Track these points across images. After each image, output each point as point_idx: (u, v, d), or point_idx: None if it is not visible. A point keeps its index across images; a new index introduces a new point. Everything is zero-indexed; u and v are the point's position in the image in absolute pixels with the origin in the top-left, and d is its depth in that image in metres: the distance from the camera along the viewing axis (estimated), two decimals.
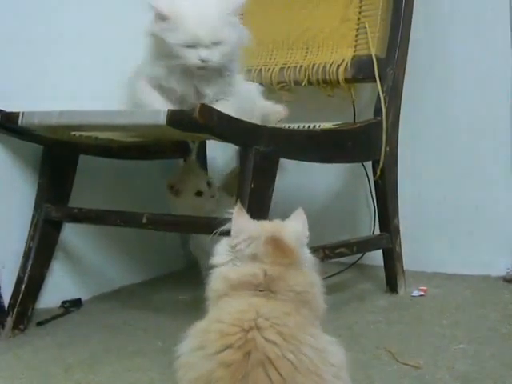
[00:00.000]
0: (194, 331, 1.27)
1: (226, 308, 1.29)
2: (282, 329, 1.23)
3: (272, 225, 1.42)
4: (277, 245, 1.35)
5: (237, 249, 1.36)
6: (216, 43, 1.86)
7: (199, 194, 2.30)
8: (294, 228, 1.42)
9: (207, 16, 1.86)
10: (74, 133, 2.09)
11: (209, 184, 2.31)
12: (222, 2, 1.90)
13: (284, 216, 1.45)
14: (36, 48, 2.23)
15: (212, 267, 1.38)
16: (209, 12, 1.87)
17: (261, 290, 1.31)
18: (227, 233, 1.39)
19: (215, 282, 1.36)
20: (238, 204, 1.41)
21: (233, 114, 1.77)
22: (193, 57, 1.86)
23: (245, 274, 1.33)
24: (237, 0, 1.91)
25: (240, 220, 1.38)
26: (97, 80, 2.36)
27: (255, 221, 1.43)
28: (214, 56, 1.86)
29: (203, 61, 1.86)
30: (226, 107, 1.81)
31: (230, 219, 1.39)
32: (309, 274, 1.38)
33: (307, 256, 1.42)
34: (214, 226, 1.43)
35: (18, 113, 2.01)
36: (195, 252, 2.48)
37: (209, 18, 1.86)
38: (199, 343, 1.24)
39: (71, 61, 2.32)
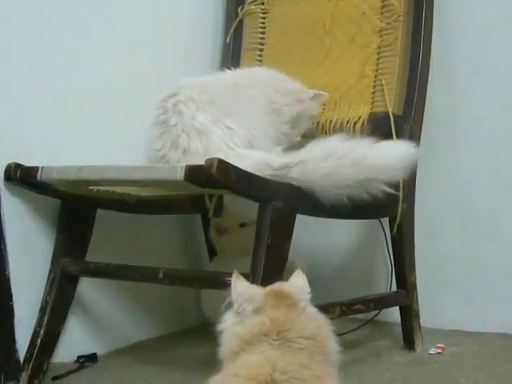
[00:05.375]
0: None
1: (243, 362, 1.29)
2: (299, 383, 1.22)
3: (272, 285, 1.47)
4: (277, 294, 1.40)
5: (240, 310, 1.38)
6: None
7: (243, 225, 2.34)
8: (295, 283, 1.46)
9: None
10: (92, 187, 2.10)
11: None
12: None
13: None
14: (55, 103, 2.26)
15: (220, 332, 1.41)
16: None
17: (274, 340, 1.31)
18: None
19: (227, 340, 1.37)
20: (235, 272, 1.45)
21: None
22: None
23: (252, 325, 1.34)
24: None
25: (238, 285, 1.42)
26: (116, 135, 2.39)
27: (254, 285, 1.49)
28: None
29: None
30: None
31: None
32: (315, 317, 1.41)
33: (312, 310, 1.43)
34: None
35: (38, 167, 2.04)
36: (206, 309, 2.50)
37: None
38: None
39: (91, 114, 2.35)
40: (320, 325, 1.39)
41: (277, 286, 1.45)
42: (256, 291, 1.42)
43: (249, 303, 1.38)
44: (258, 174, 1.86)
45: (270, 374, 1.24)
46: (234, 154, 1.99)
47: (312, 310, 1.42)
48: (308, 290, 1.45)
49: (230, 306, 1.42)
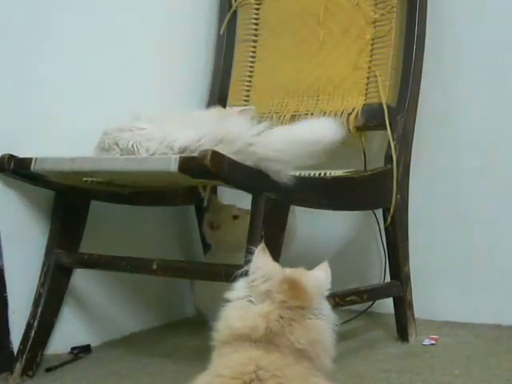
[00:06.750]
0: None
1: (226, 362, 1.28)
2: (282, 380, 1.22)
3: (293, 270, 1.42)
4: (293, 285, 1.35)
5: (254, 284, 1.36)
6: None
7: (236, 217, 2.35)
8: (316, 277, 1.42)
9: None
10: (85, 179, 2.10)
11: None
12: None
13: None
14: (49, 94, 2.25)
15: (226, 302, 1.38)
16: None
17: (261, 343, 1.30)
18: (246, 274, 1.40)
19: (221, 325, 1.36)
20: (262, 244, 1.42)
21: None
22: None
23: (247, 324, 1.32)
24: None
25: (261, 258, 1.39)
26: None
27: (277, 263, 1.42)
28: None
29: None
30: None
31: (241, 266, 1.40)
32: (314, 330, 1.35)
33: (325, 309, 1.40)
34: (224, 273, 1.43)
35: (31, 158, 2.03)
36: (198, 302, 2.50)
37: None
38: None
39: (86, 106, 2.34)
40: (315, 341, 1.34)
41: (298, 275, 1.39)
42: (275, 272, 1.37)
43: (264, 282, 1.35)
44: (162, 156, 1.86)
45: (254, 371, 1.23)
46: (140, 133, 1.98)
47: (315, 323, 1.36)
48: (327, 286, 1.42)
49: (245, 274, 1.39)
